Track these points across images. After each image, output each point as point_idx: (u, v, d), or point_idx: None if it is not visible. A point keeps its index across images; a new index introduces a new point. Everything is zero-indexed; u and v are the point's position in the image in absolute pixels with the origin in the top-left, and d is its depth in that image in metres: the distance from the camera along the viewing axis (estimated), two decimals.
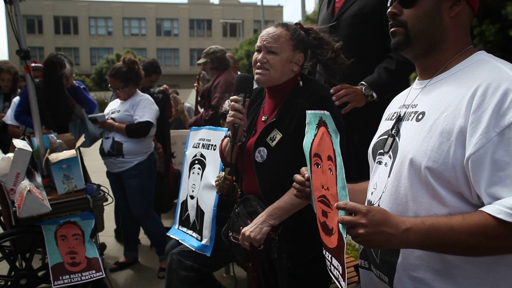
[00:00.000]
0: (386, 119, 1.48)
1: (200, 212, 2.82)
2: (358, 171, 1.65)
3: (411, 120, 1.29)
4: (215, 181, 2.67)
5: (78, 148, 3.34)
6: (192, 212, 2.91)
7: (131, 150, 3.84)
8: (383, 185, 1.32)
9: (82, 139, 3.42)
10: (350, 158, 1.94)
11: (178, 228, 3.03)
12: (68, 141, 3.46)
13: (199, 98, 5.13)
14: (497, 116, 1.07)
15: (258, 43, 2.01)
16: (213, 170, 2.81)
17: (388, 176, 1.30)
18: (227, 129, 2.31)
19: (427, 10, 1.27)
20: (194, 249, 2.70)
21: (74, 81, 4.18)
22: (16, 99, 4.33)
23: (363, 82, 2.34)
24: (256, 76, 2.01)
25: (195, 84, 5.25)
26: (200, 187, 2.86)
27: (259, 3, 32.30)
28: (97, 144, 4.19)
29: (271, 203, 1.94)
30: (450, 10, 1.27)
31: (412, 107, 1.33)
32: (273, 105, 2.08)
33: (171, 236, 3.03)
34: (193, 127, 3.26)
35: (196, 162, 2.98)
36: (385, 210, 1.16)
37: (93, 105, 4.26)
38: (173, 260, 2.70)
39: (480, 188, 1.09)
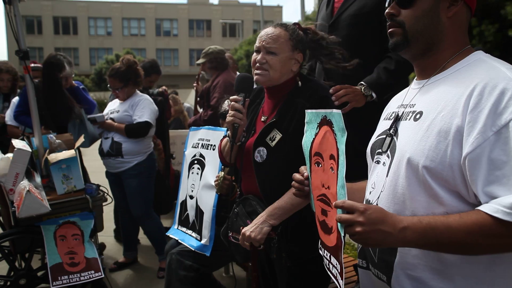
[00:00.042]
0: (384, 119, 1.49)
1: (199, 212, 2.82)
2: (357, 171, 1.65)
3: (409, 119, 1.30)
4: (215, 181, 2.67)
5: (78, 148, 3.34)
6: (191, 212, 2.91)
7: (130, 150, 3.84)
8: (381, 185, 1.33)
9: (81, 139, 3.42)
10: (350, 157, 1.94)
11: (177, 228, 3.03)
12: (67, 141, 3.46)
13: (198, 98, 5.13)
14: (494, 115, 1.08)
15: (257, 44, 2.01)
16: (213, 170, 2.82)
17: (386, 176, 1.31)
18: (226, 129, 2.31)
19: (425, 10, 1.28)
20: (193, 249, 2.70)
21: (73, 82, 4.18)
22: (15, 99, 4.34)
23: (362, 82, 2.35)
24: (255, 77, 2.02)
25: (195, 84, 5.25)
26: (200, 187, 2.86)
27: (258, 3, 32.33)
28: (96, 144, 4.19)
29: (271, 203, 1.94)
30: (448, 11, 1.27)
31: (410, 107, 1.34)
32: (273, 105, 2.08)
33: (171, 236, 3.03)
34: (192, 127, 3.26)
35: (196, 162, 2.98)
36: (382, 208, 1.17)
37: (92, 105, 4.26)
38: (173, 260, 2.70)
39: (477, 187, 1.09)
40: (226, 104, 3.21)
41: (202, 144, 2.98)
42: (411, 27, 1.30)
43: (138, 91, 4.08)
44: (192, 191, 2.93)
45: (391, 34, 1.35)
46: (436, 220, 1.11)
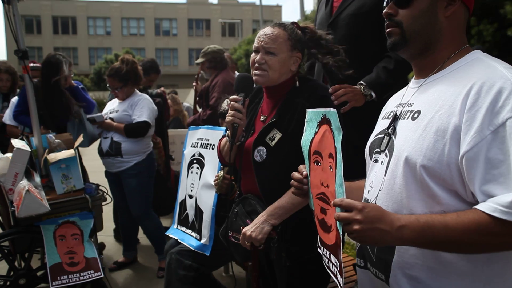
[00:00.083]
0: (382, 118, 1.50)
1: (199, 212, 2.83)
2: (357, 170, 1.65)
3: (407, 118, 1.31)
4: (214, 181, 2.67)
5: (77, 148, 3.34)
6: (191, 212, 2.91)
7: (130, 150, 3.84)
8: (380, 184, 1.33)
9: (80, 139, 3.42)
10: (350, 157, 1.94)
11: (177, 228, 3.04)
12: (67, 141, 3.46)
13: (197, 98, 5.13)
14: (491, 115, 1.08)
15: (255, 44, 2.01)
16: (212, 170, 2.82)
17: (385, 175, 1.31)
18: (225, 128, 2.31)
19: (422, 10, 1.28)
20: (193, 249, 2.71)
21: (72, 81, 4.18)
22: (14, 99, 4.33)
23: (361, 82, 2.35)
24: (254, 78, 2.01)
25: (194, 84, 5.25)
26: (199, 187, 2.87)
27: (257, 2, 32.33)
28: (96, 144, 4.19)
29: (270, 202, 1.94)
30: (445, 10, 1.28)
31: (408, 106, 1.34)
32: (272, 104, 2.08)
33: (170, 235, 3.03)
34: (191, 126, 3.26)
35: (195, 161, 2.98)
36: (380, 207, 1.17)
37: (91, 105, 4.26)
38: (172, 259, 2.70)
39: (474, 186, 1.10)
40: (225, 104, 3.21)
41: (201, 143, 2.98)
42: (409, 26, 1.30)
43: (137, 91, 4.08)
44: (191, 190, 2.94)
45: (389, 34, 1.35)
46: (434, 218, 1.12)
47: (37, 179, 3.18)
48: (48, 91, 3.90)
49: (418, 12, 1.28)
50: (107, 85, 4.04)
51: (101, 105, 5.68)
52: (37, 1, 43.40)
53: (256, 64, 1.98)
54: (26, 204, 2.70)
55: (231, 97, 2.05)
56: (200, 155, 2.95)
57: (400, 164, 1.24)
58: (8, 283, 2.97)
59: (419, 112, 1.27)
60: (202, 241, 2.72)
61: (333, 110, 1.30)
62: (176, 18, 49.30)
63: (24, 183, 2.82)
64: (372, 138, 1.49)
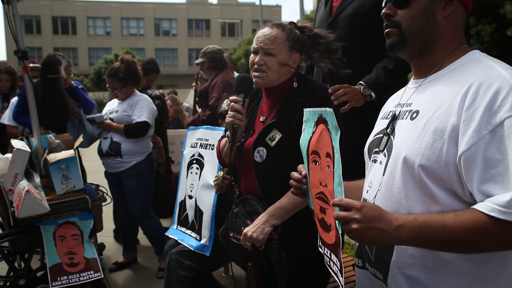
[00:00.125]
0: (381, 118, 1.50)
1: (198, 212, 2.83)
2: (356, 170, 1.65)
3: (406, 118, 1.31)
4: (214, 181, 2.67)
5: (77, 148, 3.33)
6: (190, 212, 2.91)
7: (130, 150, 3.84)
8: (378, 183, 1.34)
9: (80, 139, 3.42)
10: (349, 157, 1.94)
11: (176, 228, 3.04)
12: (67, 141, 3.46)
13: (197, 98, 5.13)
14: (489, 114, 1.08)
15: (254, 45, 2.00)
16: (212, 170, 2.82)
17: (383, 174, 1.32)
18: (224, 128, 2.31)
19: (421, 10, 1.28)
20: (193, 249, 2.71)
21: (72, 81, 4.18)
22: (14, 100, 4.33)
23: (361, 82, 2.34)
24: (254, 80, 2.01)
25: (194, 84, 5.25)
26: (199, 187, 2.86)
27: (257, 2, 32.32)
28: (96, 144, 4.19)
29: (270, 203, 1.94)
30: (444, 10, 1.28)
31: (407, 106, 1.35)
32: (271, 105, 2.08)
33: (170, 236, 3.03)
34: (191, 126, 3.26)
35: (194, 161, 2.98)
36: (379, 206, 1.18)
37: (91, 105, 4.26)
38: (172, 260, 2.70)
39: (472, 185, 1.10)
40: (225, 104, 3.21)
41: (200, 143, 2.98)
42: (407, 27, 1.30)
43: (137, 91, 4.08)
44: (191, 191, 2.93)
45: (387, 34, 1.36)
46: (432, 218, 1.12)
47: (37, 179, 3.18)
48: (48, 91, 3.90)
49: (416, 12, 1.29)
50: (107, 85, 4.04)
51: (101, 105, 5.69)
52: (36, 1, 43.40)
53: (255, 66, 1.97)
54: (26, 204, 2.70)
55: (230, 98, 2.05)
56: (200, 155, 2.95)
57: (399, 164, 1.25)
58: (8, 283, 2.97)
59: (417, 112, 1.27)
60: (202, 241, 2.72)
61: (329, 109, 1.31)
62: (176, 18, 49.31)
63: (24, 184, 2.82)
64: (371, 138, 1.49)
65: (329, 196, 1.27)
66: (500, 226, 1.04)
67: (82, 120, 4.12)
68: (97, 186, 3.39)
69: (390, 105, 1.49)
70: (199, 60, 4.75)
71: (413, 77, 1.43)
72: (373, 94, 2.33)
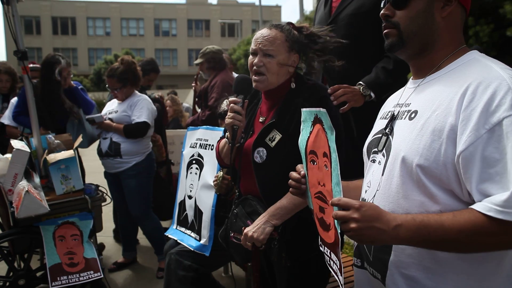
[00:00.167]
0: (380, 118, 1.50)
1: (198, 212, 2.83)
2: (356, 170, 1.65)
3: (404, 118, 1.31)
4: (214, 181, 2.67)
5: (76, 148, 3.34)
6: (190, 212, 2.91)
7: (129, 151, 3.84)
8: (377, 183, 1.34)
9: (79, 139, 3.43)
10: (349, 157, 1.94)
11: (176, 228, 3.04)
12: (66, 142, 3.46)
13: (196, 99, 5.13)
14: (486, 114, 1.09)
15: (253, 46, 1.99)
16: (211, 170, 2.82)
17: (382, 174, 1.32)
18: (223, 129, 2.31)
19: (419, 11, 1.29)
20: (192, 249, 2.71)
21: (72, 82, 4.18)
22: (14, 100, 4.33)
23: (361, 82, 2.35)
24: (254, 84, 2.01)
25: (193, 84, 5.25)
26: (198, 187, 2.87)
27: (257, 3, 32.30)
28: (95, 144, 4.19)
29: (271, 203, 1.94)
30: (442, 11, 1.28)
31: (406, 106, 1.35)
32: (270, 105, 2.08)
33: (169, 236, 3.03)
34: (190, 127, 3.26)
35: (194, 162, 2.98)
36: (377, 206, 1.18)
37: (91, 106, 4.26)
38: (172, 260, 2.71)
39: (471, 185, 1.10)
40: (224, 104, 3.21)
41: (200, 144, 2.98)
42: (406, 27, 1.31)
43: (136, 91, 4.08)
44: (190, 191, 2.94)
45: (386, 35, 1.36)
46: (430, 218, 1.13)
47: (37, 179, 3.18)
48: (46, 92, 3.90)
49: (415, 13, 1.29)
50: (107, 85, 4.04)
51: (101, 105, 5.69)
52: (36, 1, 43.38)
53: (255, 67, 1.97)
54: (25, 204, 2.70)
55: (230, 99, 2.05)
56: (199, 155, 2.95)
57: (397, 164, 1.25)
58: (7, 283, 2.97)
59: (416, 112, 1.27)
60: (202, 241, 2.72)
61: (323, 110, 1.31)
62: (176, 19, 49.30)
63: (23, 184, 2.82)
64: (370, 138, 1.49)
65: (327, 195, 1.27)
66: (498, 226, 1.04)
67: (81, 120, 4.12)
68: (97, 186, 3.39)
69: (389, 105, 1.49)
70: (198, 61, 4.75)
71: (411, 77, 1.43)
72: (372, 94, 2.33)
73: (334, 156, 1.21)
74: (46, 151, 3.32)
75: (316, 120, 1.36)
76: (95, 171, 4.93)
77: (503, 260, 1.17)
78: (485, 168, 1.07)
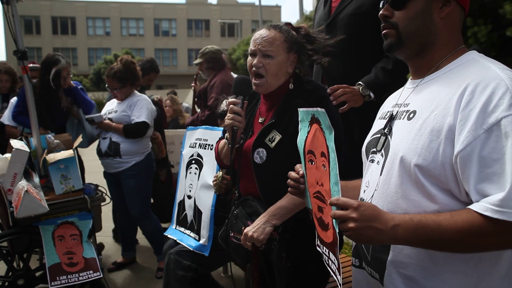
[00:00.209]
0: (379, 118, 1.51)
1: (197, 212, 2.83)
2: (356, 170, 1.65)
3: (403, 119, 1.32)
4: (213, 181, 2.67)
5: (76, 148, 3.34)
6: (189, 212, 2.91)
7: (129, 151, 3.84)
8: (375, 183, 1.34)
9: (79, 139, 3.43)
10: (348, 157, 1.94)
11: (175, 228, 3.04)
12: (66, 141, 3.46)
13: (196, 99, 5.13)
14: (484, 114, 1.09)
15: (252, 47, 1.99)
16: (211, 170, 2.82)
17: (380, 174, 1.32)
18: (222, 129, 2.30)
19: (418, 11, 1.29)
20: (192, 249, 2.71)
21: (71, 82, 4.18)
22: (13, 100, 4.33)
23: (360, 82, 2.35)
24: (254, 87, 2.01)
25: (193, 84, 5.25)
26: (198, 187, 2.87)
27: (257, 3, 32.29)
28: (95, 144, 4.19)
29: (271, 203, 1.94)
30: (441, 11, 1.29)
31: (404, 106, 1.35)
32: (270, 106, 2.08)
33: (169, 236, 3.03)
34: (190, 126, 3.26)
35: (193, 162, 2.98)
36: (375, 206, 1.18)
37: (90, 106, 4.25)
38: (171, 260, 2.70)
39: (468, 185, 1.11)
40: (224, 104, 3.21)
41: (199, 144, 2.98)
42: (404, 28, 1.31)
43: (136, 91, 4.08)
44: (190, 191, 2.94)
45: (385, 35, 1.37)
46: (427, 218, 1.13)
47: (36, 179, 3.18)
48: (44, 92, 3.89)
49: (413, 14, 1.29)
50: (106, 85, 4.04)
51: (101, 105, 5.68)
52: (36, 1, 43.36)
53: (254, 68, 1.96)
54: (25, 204, 2.70)
55: (229, 100, 2.05)
56: (199, 155, 2.95)
57: (396, 164, 1.25)
58: (6, 283, 2.97)
59: (414, 112, 1.28)
60: (201, 241, 2.72)
61: (321, 109, 1.32)
62: (176, 19, 49.29)
63: (23, 184, 2.82)
64: (368, 138, 1.50)
65: (325, 195, 1.28)
66: (495, 226, 1.04)
67: (81, 120, 4.12)
68: (96, 186, 3.39)
69: (388, 105, 1.50)
70: (197, 61, 4.75)
71: (410, 77, 1.44)
72: (372, 94, 2.33)
73: (333, 155, 1.21)
74: (46, 151, 3.32)
75: (313, 120, 1.37)
76: (94, 171, 4.93)
77: (500, 260, 1.17)
78: (483, 168, 1.08)
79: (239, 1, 51.94)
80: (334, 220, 1.18)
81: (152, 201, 4.60)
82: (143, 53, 45.01)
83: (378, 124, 1.47)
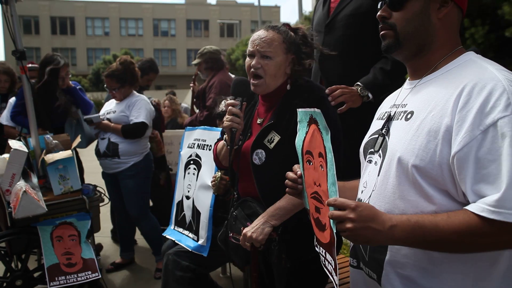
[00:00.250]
0: (377, 119, 1.51)
1: (196, 213, 2.83)
2: (354, 171, 1.65)
3: (401, 119, 1.32)
4: (212, 182, 2.67)
5: (75, 148, 3.33)
6: (188, 213, 2.91)
7: (127, 151, 3.84)
8: (373, 184, 1.34)
9: (77, 139, 3.42)
10: (347, 157, 1.94)
11: (174, 229, 3.03)
12: (64, 142, 3.46)
13: (194, 99, 5.13)
14: (481, 115, 1.09)
15: (250, 48, 1.98)
16: (209, 170, 2.82)
17: (378, 175, 1.33)
18: (221, 129, 2.30)
19: (415, 12, 1.29)
20: (190, 250, 2.70)
21: (70, 82, 4.17)
22: (12, 100, 4.32)
23: (358, 83, 2.35)
24: (252, 88, 2.01)
25: (191, 85, 5.25)
26: (196, 188, 2.86)
27: (256, 3, 32.33)
28: (94, 144, 4.19)
29: (270, 204, 1.93)
30: (438, 12, 1.29)
31: (402, 107, 1.36)
32: (268, 107, 2.07)
33: (167, 236, 3.03)
34: (188, 127, 3.26)
35: (192, 162, 2.98)
36: (373, 206, 1.19)
37: (89, 106, 4.25)
38: (169, 260, 2.70)
39: (465, 185, 1.11)
40: (223, 105, 3.21)
41: (198, 144, 2.98)
42: (402, 29, 1.31)
43: (135, 92, 4.08)
44: (188, 191, 2.93)
45: (383, 36, 1.37)
46: (424, 219, 1.13)
47: (35, 180, 3.17)
48: (42, 91, 3.89)
49: (411, 15, 1.30)
50: (105, 85, 4.04)
51: (99, 105, 5.67)
52: (35, 1, 43.31)
53: (252, 69, 1.96)
54: (23, 205, 2.69)
55: (228, 101, 2.04)
56: (197, 155, 2.95)
57: (393, 165, 1.26)
58: (4, 284, 2.96)
59: (412, 112, 1.28)
60: (200, 242, 2.72)
61: (317, 110, 1.32)
62: (175, 19, 49.26)
63: (21, 184, 2.81)
64: (366, 138, 1.50)
65: (323, 195, 1.28)
66: (491, 226, 1.05)
67: (80, 120, 4.12)
68: (95, 186, 3.39)
69: (386, 106, 1.50)
70: (196, 61, 4.75)
71: (408, 78, 1.44)
72: (370, 95, 2.33)
73: (330, 156, 1.22)
74: (44, 151, 3.31)
75: (312, 121, 1.37)
76: (93, 171, 4.93)
77: (498, 261, 1.17)
78: (479, 169, 1.08)
79: (238, 1, 51.95)
80: (331, 221, 1.18)
81: (151, 204, 4.61)
82: (142, 53, 44.97)
83: (376, 124, 1.47)
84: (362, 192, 1.42)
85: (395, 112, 1.37)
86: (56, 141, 3.37)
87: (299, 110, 1.48)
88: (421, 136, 1.19)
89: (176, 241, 2.89)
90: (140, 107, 3.90)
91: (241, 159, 2.05)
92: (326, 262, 1.32)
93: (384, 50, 1.38)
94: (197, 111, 4.96)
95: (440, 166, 1.15)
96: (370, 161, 1.41)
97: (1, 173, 2.90)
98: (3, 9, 3.16)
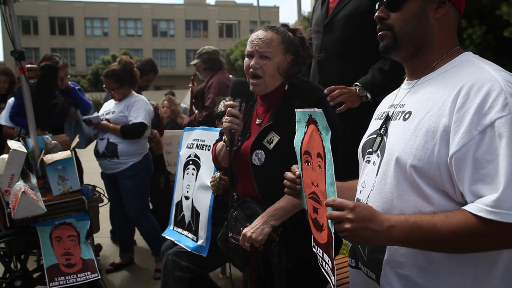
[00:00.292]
0: (375, 119, 1.52)
1: (195, 213, 2.83)
2: (353, 171, 1.66)
3: (399, 119, 1.32)
4: (211, 182, 2.67)
5: (74, 149, 3.33)
6: (187, 213, 2.91)
7: (126, 151, 3.84)
8: (371, 184, 1.35)
9: (76, 139, 3.42)
10: (346, 157, 1.94)
11: (173, 229, 3.03)
12: (63, 142, 3.46)
13: (193, 99, 5.13)
14: (479, 115, 1.10)
15: (249, 48, 1.99)
16: (208, 171, 2.82)
17: (376, 175, 1.33)
18: (220, 129, 2.30)
19: (413, 13, 1.30)
20: (190, 250, 2.70)
21: (69, 82, 4.17)
22: (11, 100, 4.32)
23: (357, 83, 2.35)
24: (251, 87, 2.01)
25: (190, 85, 5.25)
26: (195, 188, 2.86)
27: (255, 4, 32.35)
28: (93, 145, 4.19)
29: (270, 205, 1.94)
30: (436, 12, 1.30)
31: (400, 107, 1.36)
32: (267, 107, 2.07)
33: (166, 237, 3.03)
34: (187, 127, 3.26)
35: (191, 162, 2.98)
36: (371, 207, 1.19)
37: (88, 106, 4.25)
38: (169, 260, 2.70)
39: (463, 186, 1.11)
40: (222, 105, 3.21)
41: (197, 144, 2.98)
42: (400, 30, 1.32)
43: (133, 92, 4.08)
44: (187, 191, 2.93)
45: (381, 37, 1.38)
46: (422, 219, 1.14)
47: (34, 180, 3.17)
48: (41, 92, 3.88)
49: (409, 15, 1.30)
50: (104, 86, 4.04)
51: (98, 105, 5.67)
52: (34, 1, 43.23)
53: (251, 70, 1.96)
54: (22, 205, 2.69)
55: (227, 102, 2.04)
56: (196, 156, 2.95)
57: (391, 165, 1.26)
58: (4, 285, 2.96)
59: (410, 113, 1.28)
60: (199, 242, 2.72)
61: (318, 110, 1.32)
62: (174, 19, 49.23)
63: (20, 185, 2.81)
64: (364, 138, 1.50)
65: (320, 196, 1.28)
66: (489, 226, 1.05)
67: (79, 121, 4.12)
68: (94, 187, 3.38)
69: (384, 106, 1.50)
70: (194, 61, 4.75)
71: (406, 78, 1.45)
72: (369, 95, 2.34)
73: (329, 156, 1.22)
74: (43, 151, 3.31)
75: (310, 121, 1.37)
76: (92, 172, 4.92)
77: (496, 261, 1.18)
78: (477, 170, 1.08)
79: (237, 1, 51.94)
80: (329, 221, 1.18)
81: (151, 207, 4.61)
82: (141, 54, 44.94)
83: (374, 124, 1.48)
84: (360, 192, 1.42)
85: (393, 112, 1.38)
86: (55, 142, 3.37)
87: (297, 110, 1.49)
88: (419, 136, 1.20)
89: (175, 242, 2.89)
90: (139, 108, 3.90)
91: (241, 159, 2.05)
92: (324, 263, 1.32)
93: (382, 51, 1.38)
94: (196, 111, 4.96)
95: (438, 166, 1.15)
96: (368, 161, 1.41)
97: (0, 174, 2.90)
98: (1, 10, 3.16)
